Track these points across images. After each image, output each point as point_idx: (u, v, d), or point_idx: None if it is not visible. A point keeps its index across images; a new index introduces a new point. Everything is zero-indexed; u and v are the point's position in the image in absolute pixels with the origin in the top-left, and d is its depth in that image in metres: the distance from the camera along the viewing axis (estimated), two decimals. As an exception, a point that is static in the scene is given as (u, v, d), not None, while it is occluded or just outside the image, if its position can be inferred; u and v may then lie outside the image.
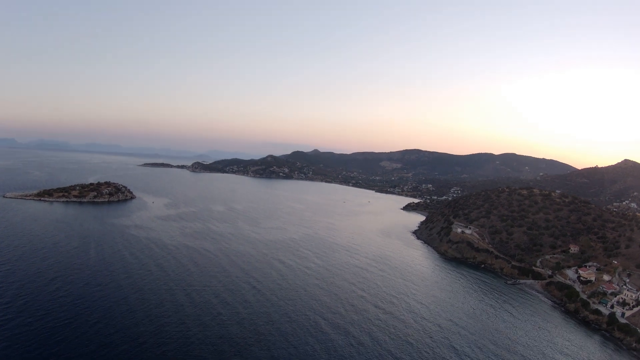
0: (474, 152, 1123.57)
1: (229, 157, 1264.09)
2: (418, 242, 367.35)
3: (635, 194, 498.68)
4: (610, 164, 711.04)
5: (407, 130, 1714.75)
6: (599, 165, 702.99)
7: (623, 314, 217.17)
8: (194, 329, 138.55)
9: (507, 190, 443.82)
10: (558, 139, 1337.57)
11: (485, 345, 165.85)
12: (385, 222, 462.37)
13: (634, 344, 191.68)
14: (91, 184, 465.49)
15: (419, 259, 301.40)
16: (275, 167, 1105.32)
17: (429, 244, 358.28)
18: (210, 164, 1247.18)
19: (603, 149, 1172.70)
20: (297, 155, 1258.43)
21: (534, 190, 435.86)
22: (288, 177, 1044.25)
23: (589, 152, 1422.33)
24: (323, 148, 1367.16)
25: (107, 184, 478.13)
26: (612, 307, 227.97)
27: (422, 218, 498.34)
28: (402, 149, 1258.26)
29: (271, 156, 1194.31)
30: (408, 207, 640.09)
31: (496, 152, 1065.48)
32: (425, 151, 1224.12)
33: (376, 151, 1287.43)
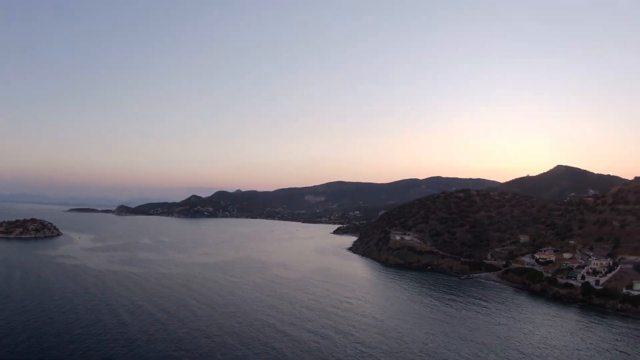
0: (398, 179, 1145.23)
1: (155, 202, 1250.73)
2: (356, 256, 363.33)
3: (572, 194, 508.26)
4: (542, 172, 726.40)
5: (329, 164, 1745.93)
6: (531, 174, 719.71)
7: (598, 282, 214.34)
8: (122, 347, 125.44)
9: (442, 195, 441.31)
10: (486, 157, 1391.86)
11: (465, 335, 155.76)
12: (318, 244, 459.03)
13: (619, 305, 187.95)
14: (17, 221, 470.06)
15: (361, 269, 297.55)
16: (199, 206, 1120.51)
17: (367, 256, 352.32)
18: (135, 207, 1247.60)
19: (535, 159, 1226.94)
20: (221, 195, 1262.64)
21: (471, 192, 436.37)
22: (213, 215, 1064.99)
23: (520, 164, 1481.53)
24: (245, 187, 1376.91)
25: (33, 220, 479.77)
26: (582, 278, 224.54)
27: (355, 238, 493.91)
28: (325, 182, 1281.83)
29: (195, 196, 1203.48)
30: (338, 231, 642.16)
31: (421, 177, 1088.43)
32: (349, 182, 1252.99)
33: (299, 186, 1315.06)
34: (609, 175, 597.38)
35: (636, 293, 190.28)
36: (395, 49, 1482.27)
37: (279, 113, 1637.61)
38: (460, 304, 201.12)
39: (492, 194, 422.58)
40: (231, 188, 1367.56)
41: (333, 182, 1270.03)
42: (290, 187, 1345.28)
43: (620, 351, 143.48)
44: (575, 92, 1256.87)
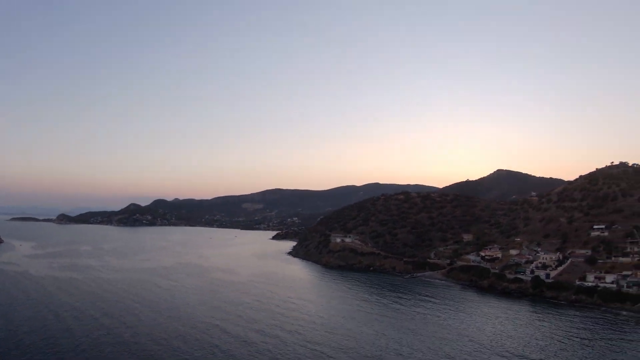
0: (336, 186, 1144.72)
1: (95, 211, 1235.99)
2: (296, 260, 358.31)
3: (514, 196, 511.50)
4: (483, 176, 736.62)
5: (266, 171, 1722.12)
6: (471, 179, 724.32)
7: (548, 275, 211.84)
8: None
9: (382, 198, 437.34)
10: (425, 163, 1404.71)
11: (417, 330, 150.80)
12: (257, 249, 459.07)
13: (574, 296, 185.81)
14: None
15: (303, 272, 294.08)
16: (138, 214, 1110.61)
17: (307, 259, 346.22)
18: (76, 216, 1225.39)
19: (475, 165, 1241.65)
20: (159, 203, 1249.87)
21: (412, 194, 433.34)
22: (152, 224, 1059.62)
23: (459, 170, 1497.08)
24: (183, 196, 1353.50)
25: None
26: (532, 272, 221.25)
27: (294, 243, 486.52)
28: (263, 190, 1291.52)
29: (134, 204, 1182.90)
30: (277, 237, 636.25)
31: (359, 184, 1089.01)
32: (287, 189, 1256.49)
33: (237, 194, 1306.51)
34: (550, 178, 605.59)
35: (590, 284, 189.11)
36: (332, 61, 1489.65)
37: (215, 122, 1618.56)
38: (408, 301, 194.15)
39: (432, 195, 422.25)
40: (169, 197, 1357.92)
41: (270, 190, 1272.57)
42: (228, 195, 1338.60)
43: (582, 338, 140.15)
44: (513, 98, 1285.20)
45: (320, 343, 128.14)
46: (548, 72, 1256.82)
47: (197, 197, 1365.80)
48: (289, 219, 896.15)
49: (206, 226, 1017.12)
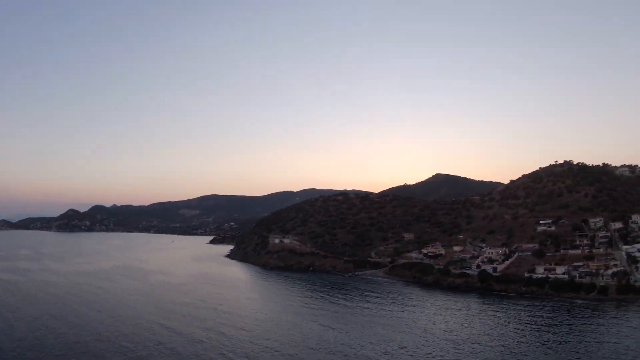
0: (273, 192, 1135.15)
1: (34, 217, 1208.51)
2: (234, 262, 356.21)
3: (453, 200, 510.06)
4: (421, 180, 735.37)
5: (204, 177, 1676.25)
6: (408, 183, 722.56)
7: (495, 269, 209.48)
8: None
9: (320, 199, 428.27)
10: (362, 169, 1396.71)
11: (364, 323, 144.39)
12: (195, 252, 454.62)
13: (524, 288, 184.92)
14: None
15: (242, 273, 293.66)
16: (77, 220, 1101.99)
17: (246, 261, 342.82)
18: (16, 222, 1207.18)
19: (413, 170, 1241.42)
20: (97, 209, 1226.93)
21: (350, 195, 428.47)
22: (90, 229, 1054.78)
23: (397, 175, 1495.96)
24: (121, 202, 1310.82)
25: None
26: (478, 267, 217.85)
27: (232, 247, 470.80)
28: (199, 196, 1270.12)
29: (72, 210, 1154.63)
30: (214, 241, 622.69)
31: (295, 190, 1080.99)
32: (223, 195, 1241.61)
33: (174, 200, 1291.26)
34: (490, 181, 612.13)
35: (540, 276, 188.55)
36: (269, 67, 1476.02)
37: (153, 127, 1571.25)
38: (353, 297, 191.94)
39: (370, 195, 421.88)
40: (108, 203, 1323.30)
41: (207, 196, 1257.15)
42: (165, 201, 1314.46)
43: (540, 324, 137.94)
44: (452, 103, 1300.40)
45: (267, 338, 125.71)
46: (484, 78, 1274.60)
47: (135, 204, 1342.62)
48: (225, 224, 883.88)
49: (143, 232, 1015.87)
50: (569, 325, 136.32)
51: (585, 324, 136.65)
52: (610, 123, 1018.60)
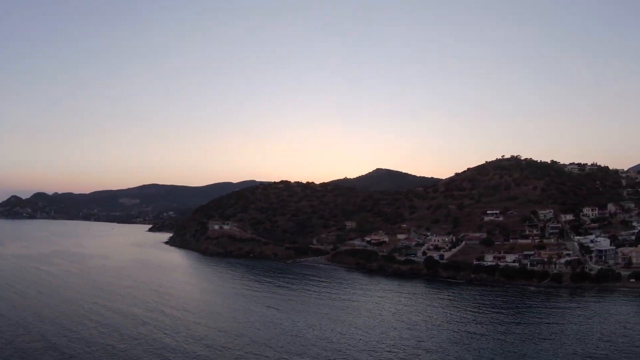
0: (212, 183, 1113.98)
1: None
2: (173, 248, 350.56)
3: (395, 190, 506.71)
4: (362, 174, 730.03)
5: (144, 166, 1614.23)
6: (349, 177, 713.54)
7: (442, 256, 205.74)
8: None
9: (261, 186, 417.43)
10: (303, 162, 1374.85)
11: (310, 306, 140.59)
12: (135, 239, 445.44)
13: (473, 275, 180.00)
14: None
15: (181, 258, 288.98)
16: (19, 207, 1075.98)
17: (185, 248, 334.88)
18: None
19: (354, 164, 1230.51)
20: (39, 197, 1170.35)
21: (291, 183, 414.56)
22: (32, 216, 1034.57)
23: (338, 168, 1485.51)
24: (63, 190, 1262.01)
25: None
26: (424, 254, 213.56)
27: (171, 235, 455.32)
28: (140, 185, 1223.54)
29: (15, 197, 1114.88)
30: (154, 228, 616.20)
31: (235, 181, 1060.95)
32: (163, 185, 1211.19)
33: (114, 189, 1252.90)
34: (431, 177, 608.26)
35: (490, 263, 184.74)
36: (213, 57, 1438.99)
37: (94, 114, 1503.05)
38: (297, 281, 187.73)
39: (313, 184, 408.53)
40: (49, 190, 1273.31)
41: (148, 185, 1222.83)
42: (106, 189, 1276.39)
43: (497, 307, 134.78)
44: (395, 99, 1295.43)
45: (211, 319, 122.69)
46: (425, 76, 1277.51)
47: (77, 191, 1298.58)
48: (164, 214, 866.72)
49: (85, 220, 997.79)
50: (528, 308, 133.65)
51: (546, 307, 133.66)
52: (557, 125, 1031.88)
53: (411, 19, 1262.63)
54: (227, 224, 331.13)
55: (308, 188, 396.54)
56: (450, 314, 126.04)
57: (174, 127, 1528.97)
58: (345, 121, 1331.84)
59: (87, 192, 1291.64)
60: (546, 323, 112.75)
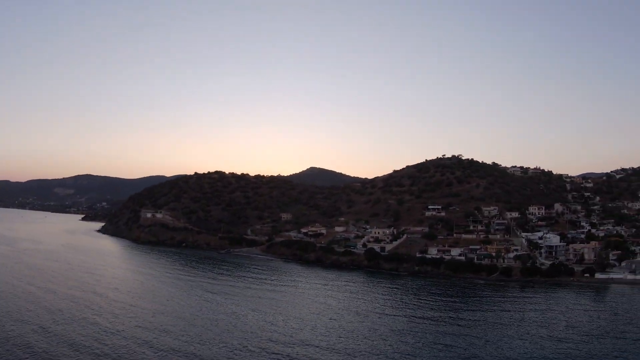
0: (146, 176, 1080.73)
1: None
2: (105, 236, 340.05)
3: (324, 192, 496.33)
4: (295, 172, 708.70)
5: (80, 156, 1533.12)
6: (283, 174, 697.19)
7: (384, 249, 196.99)
8: None
9: (195, 176, 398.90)
10: (236, 158, 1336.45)
11: (249, 296, 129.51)
12: (68, 226, 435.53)
13: (416, 268, 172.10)
14: None
15: (112, 246, 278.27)
16: None
17: (117, 236, 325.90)
18: None
19: (287, 162, 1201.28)
20: None
21: (226, 174, 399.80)
22: None
23: (275, 166, 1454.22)
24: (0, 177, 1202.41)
25: None
26: (364, 246, 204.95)
27: (104, 223, 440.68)
28: (74, 175, 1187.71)
29: None
30: (87, 218, 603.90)
31: (168, 175, 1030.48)
32: (97, 176, 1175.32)
33: (49, 178, 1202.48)
34: (365, 178, 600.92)
35: (434, 256, 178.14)
36: (146, 50, 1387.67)
37: (30, 103, 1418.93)
38: (233, 270, 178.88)
39: (248, 176, 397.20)
40: None
41: (82, 175, 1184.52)
42: (41, 178, 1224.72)
43: (451, 297, 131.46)
44: (330, 97, 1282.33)
45: (146, 301, 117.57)
46: (358, 79, 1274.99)
47: (13, 179, 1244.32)
48: (98, 205, 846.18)
49: (19, 208, 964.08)
50: (483, 297, 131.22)
51: (500, 297, 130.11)
52: (496, 130, 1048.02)
53: (347, 19, 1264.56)
54: (160, 213, 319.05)
55: (242, 179, 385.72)
56: (401, 301, 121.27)
57: (112, 118, 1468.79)
58: (280, 120, 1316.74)
59: (23, 181, 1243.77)
60: (507, 311, 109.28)
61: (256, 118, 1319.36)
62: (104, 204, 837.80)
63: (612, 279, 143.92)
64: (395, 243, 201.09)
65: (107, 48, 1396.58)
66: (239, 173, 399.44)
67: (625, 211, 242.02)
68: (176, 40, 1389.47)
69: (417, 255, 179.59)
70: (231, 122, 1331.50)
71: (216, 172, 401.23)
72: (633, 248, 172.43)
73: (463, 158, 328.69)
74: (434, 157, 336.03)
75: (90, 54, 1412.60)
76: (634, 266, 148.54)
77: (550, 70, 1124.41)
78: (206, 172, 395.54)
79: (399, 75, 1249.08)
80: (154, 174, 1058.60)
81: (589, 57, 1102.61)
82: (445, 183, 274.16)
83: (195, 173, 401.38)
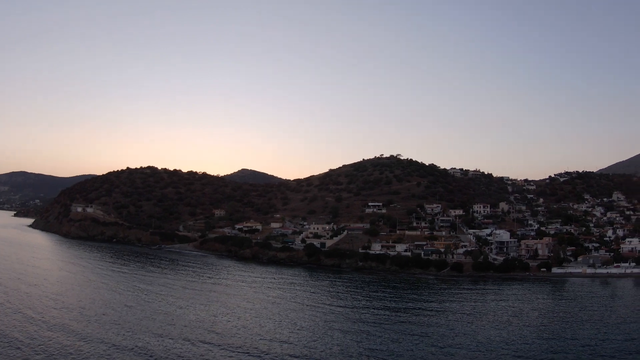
0: (79, 174, 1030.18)
1: None
2: (36, 231, 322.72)
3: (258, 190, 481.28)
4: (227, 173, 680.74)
5: (14, 152, 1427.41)
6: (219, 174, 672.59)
7: (324, 244, 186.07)
8: None
9: (127, 170, 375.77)
10: (170, 158, 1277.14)
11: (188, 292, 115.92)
12: None
13: (360, 263, 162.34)
14: None
15: (41, 240, 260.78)
16: None
17: (48, 231, 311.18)
18: None
19: (221, 164, 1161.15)
20: None
21: (158, 168, 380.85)
22: None
23: (207, 166, 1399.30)
24: None
25: None
26: (303, 241, 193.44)
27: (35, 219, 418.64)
28: (9, 172, 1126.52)
29: None
30: (19, 214, 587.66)
31: (99, 173, 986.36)
32: (32, 173, 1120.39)
33: None
34: (297, 179, 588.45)
35: (378, 252, 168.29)
36: (86, 50, 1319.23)
37: None
38: (165, 266, 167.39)
39: (180, 172, 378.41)
40: None
41: (17, 172, 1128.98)
42: None
43: (399, 290, 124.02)
44: (264, 99, 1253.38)
45: (73, 296, 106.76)
46: (292, 80, 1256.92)
47: None
48: (31, 202, 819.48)
49: None
50: (441, 290, 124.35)
51: (457, 291, 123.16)
52: (430, 134, 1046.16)
53: (286, 24, 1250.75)
54: (91, 207, 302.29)
55: (175, 175, 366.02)
56: (352, 295, 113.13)
57: (48, 114, 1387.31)
58: (212, 121, 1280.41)
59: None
60: (471, 302, 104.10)
61: (190, 119, 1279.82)
62: (37, 201, 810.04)
63: (570, 273, 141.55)
64: (335, 239, 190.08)
65: (41, 42, 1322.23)
66: (171, 169, 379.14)
67: (572, 212, 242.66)
68: (115, 37, 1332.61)
69: (360, 251, 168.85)
70: (166, 123, 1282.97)
71: (148, 167, 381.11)
72: (587, 245, 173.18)
73: (402, 158, 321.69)
74: (372, 157, 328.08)
75: (25, 48, 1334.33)
76: (591, 261, 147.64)
77: (493, 79, 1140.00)
78: (138, 167, 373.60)
79: (333, 78, 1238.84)
80: (90, 172, 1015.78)
81: (531, 66, 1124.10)
82: (385, 181, 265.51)
83: (127, 168, 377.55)
